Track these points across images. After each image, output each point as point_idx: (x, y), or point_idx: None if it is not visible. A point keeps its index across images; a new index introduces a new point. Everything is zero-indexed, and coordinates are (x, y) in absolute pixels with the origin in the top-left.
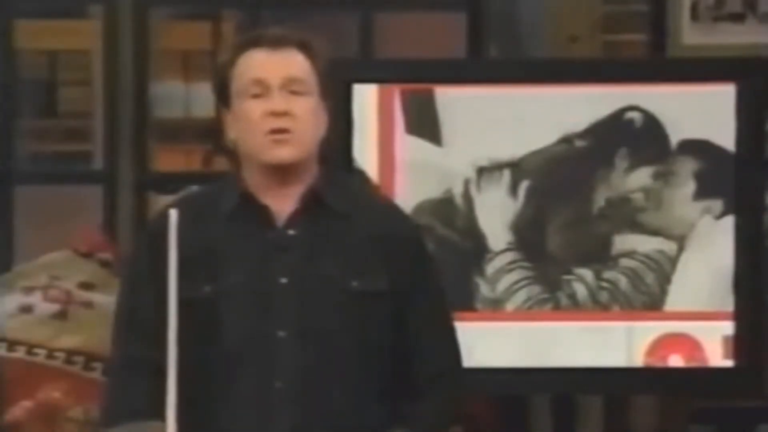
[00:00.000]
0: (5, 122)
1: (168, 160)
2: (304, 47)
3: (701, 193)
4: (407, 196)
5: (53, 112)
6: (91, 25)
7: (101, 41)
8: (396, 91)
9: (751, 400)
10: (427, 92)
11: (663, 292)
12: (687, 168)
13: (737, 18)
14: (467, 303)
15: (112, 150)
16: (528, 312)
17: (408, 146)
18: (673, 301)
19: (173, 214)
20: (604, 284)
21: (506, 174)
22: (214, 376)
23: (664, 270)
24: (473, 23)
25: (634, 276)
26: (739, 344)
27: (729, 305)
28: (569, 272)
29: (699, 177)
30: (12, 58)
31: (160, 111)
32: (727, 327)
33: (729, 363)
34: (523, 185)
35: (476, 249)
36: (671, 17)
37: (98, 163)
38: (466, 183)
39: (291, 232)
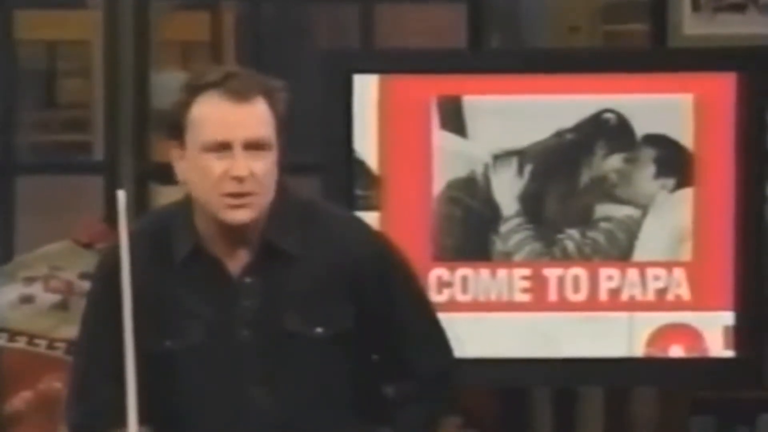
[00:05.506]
0: (5, 113)
1: (168, 151)
2: (267, 94)
3: (659, 174)
4: (442, 176)
5: (53, 103)
6: (91, 15)
7: (101, 32)
8: (432, 96)
9: (752, 391)
10: (456, 98)
11: (631, 247)
12: (648, 155)
13: (738, 8)
14: (485, 255)
15: (112, 141)
16: (529, 303)
17: (441, 138)
18: (639, 253)
19: (121, 196)
20: (588, 241)
21: (514, 160)
22: (181, 428)
23: (631, 230)
24: (474, 14)
25: (609, 234)
26: (739, 335)
27: (680, 255)
28: (561, 232)
29: (657, 162)
30: (11, 49)
31: (160, 101)
32: (728, 317)
33: (730, 353)
34: (527, 168)
35: (493, 215)
36: (672, 7)
37: (98, 154)
38: (485, 166)
39: (247, 279)
